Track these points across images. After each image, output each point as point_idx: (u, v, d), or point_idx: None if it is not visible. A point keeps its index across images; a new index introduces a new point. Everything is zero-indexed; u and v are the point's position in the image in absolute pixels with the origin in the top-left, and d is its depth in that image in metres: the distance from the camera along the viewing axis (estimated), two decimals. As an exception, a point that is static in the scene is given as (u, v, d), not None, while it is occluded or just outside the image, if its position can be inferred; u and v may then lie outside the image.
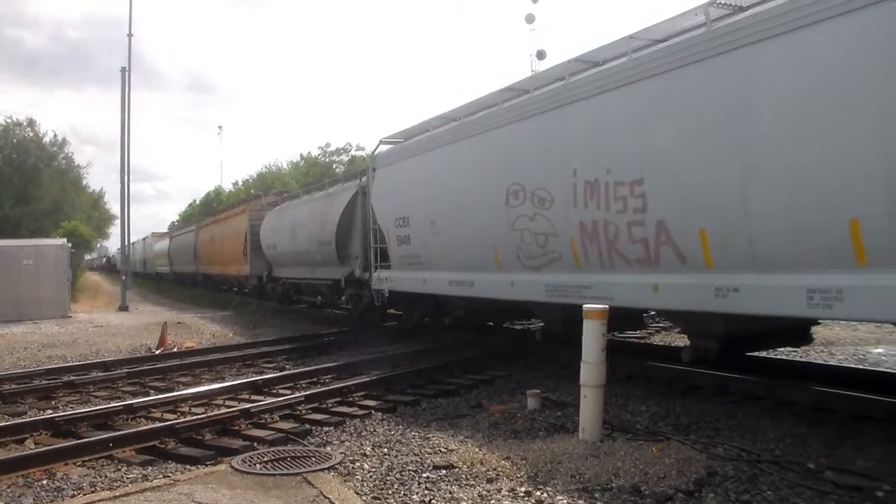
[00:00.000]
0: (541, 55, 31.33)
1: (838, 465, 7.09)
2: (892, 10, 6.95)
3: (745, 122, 8.34)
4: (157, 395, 11.91)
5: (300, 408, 10.58)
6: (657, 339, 16.88)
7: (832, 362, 13.01)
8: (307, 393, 11.29)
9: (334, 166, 62.04)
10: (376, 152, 18.56)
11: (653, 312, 14.02)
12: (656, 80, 9.55)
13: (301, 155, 70.14)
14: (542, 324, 14.33)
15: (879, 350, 14.09)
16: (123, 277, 36.84)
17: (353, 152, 63.88)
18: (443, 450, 8.29)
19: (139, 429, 9.36)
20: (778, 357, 12.49)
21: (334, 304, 25.20)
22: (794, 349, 13.13)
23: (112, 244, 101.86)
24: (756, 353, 11.21)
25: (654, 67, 9.61)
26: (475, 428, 9.32)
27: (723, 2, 9.05)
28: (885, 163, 6.97)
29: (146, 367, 14.85)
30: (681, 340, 14.21)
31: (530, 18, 33.43)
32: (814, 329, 10.98)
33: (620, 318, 10.77)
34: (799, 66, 7.80)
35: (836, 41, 7.45)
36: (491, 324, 17.90)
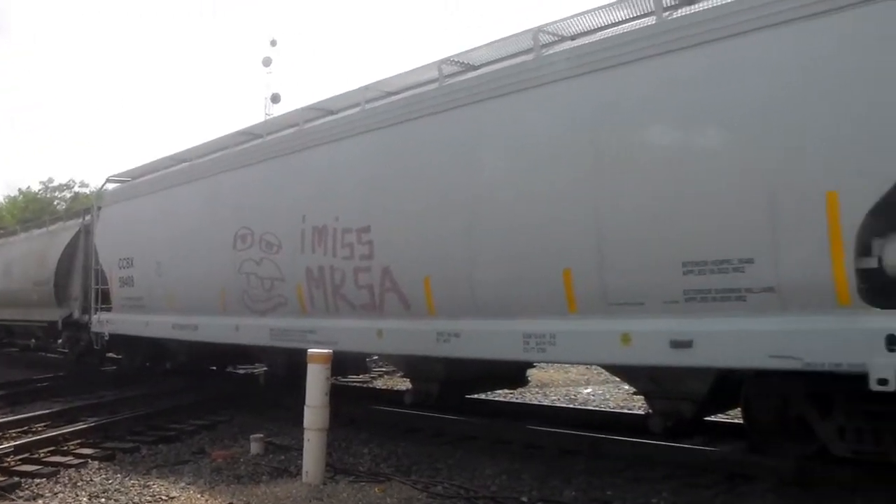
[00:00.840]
0: (275, 99, 30.77)
1: (548, 497, 7.30)
2: (598, 80, 7.39)
3: (469, 175, 8.47)
4: None
5: (8, 459, 9.39)
6: (381, 383, 16.74)
7: (545, 402, 13.37)
8: (17, 443, 10.09)
9: (56, 203, 57.72)
10: (102, 190, 17.48)
11: (377, 357, 13.93)
12: (387, 131, 9.55)
13: (20, 189, 64.54)
14: (266, 368, 13.84)
15: (588, 390, 14.66)
16: None
17: (77, 189, 59.79)
18: (164, 497, 7.80)
19: None
20: (496, 399, 12.70)
21: (50, 347, 23.26)
22: (511, 391, 13.39)
23: None
24: (475, 396, 11.35)
25: (385, 119, 9.62)
26: (197, 474, 8.80)
27: (456, 60, 9.18)
28: (595, 217, 7.28)
29: None
30: (403, 384, 14.17)
31: (267, 62, 32.78)
32: (529, 372, 11.33)
33: (345, 363, 10.61)
34: (517, 127, 8.06)
35: (552, 104, 7.80)
36: (214, 368, 17.14)
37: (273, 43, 33.99)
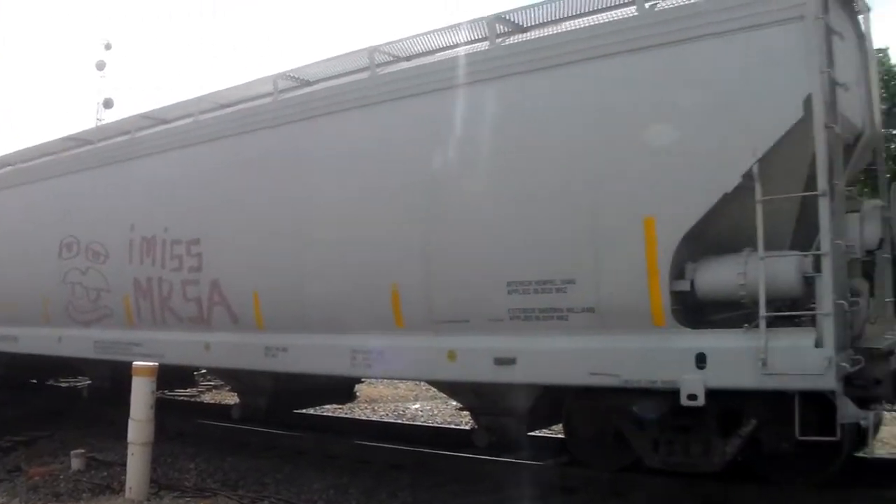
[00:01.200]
0: (108, 104, 28.81)
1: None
2: (429, 101, 7.34)
3: (301, 190, 8.30)
4: None
5: None
6: (208, 397, 16.26)
7: (374, 418, 13.26)
8: None
9: None
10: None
11: (205, 370, 13.46)
12: (219, 143, 9.26)
13: None
14: (91, 381, 13.20)
15: (416, 406, 14.61)
16: None
17: None
18: (-28, 519, 7.38)
19: None
20: (325, 413, 12.50)
21: None
22: (340, 406, 13.22)
23: None
24: (305, 410, 11.17)
25: (217, 131, 9.34)
26: (12, 493, 8.40)
27: (292, 75, 8.97)
28: (423, 235, 7.26)
29: None
30: (232, 398, 13.74)
31: (101, 65, 30.74)
32: (358, 387, 11.26)
33: (172, 376, 10.51)
34: (349, 145, 7.95)
35: (383, 124, 7.71)
36: (35, 381, 16.04)
37: (108, 46, 31.84)
